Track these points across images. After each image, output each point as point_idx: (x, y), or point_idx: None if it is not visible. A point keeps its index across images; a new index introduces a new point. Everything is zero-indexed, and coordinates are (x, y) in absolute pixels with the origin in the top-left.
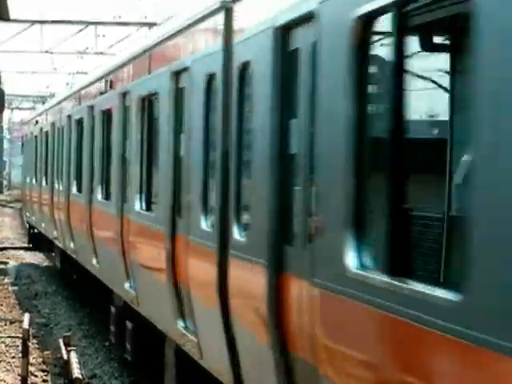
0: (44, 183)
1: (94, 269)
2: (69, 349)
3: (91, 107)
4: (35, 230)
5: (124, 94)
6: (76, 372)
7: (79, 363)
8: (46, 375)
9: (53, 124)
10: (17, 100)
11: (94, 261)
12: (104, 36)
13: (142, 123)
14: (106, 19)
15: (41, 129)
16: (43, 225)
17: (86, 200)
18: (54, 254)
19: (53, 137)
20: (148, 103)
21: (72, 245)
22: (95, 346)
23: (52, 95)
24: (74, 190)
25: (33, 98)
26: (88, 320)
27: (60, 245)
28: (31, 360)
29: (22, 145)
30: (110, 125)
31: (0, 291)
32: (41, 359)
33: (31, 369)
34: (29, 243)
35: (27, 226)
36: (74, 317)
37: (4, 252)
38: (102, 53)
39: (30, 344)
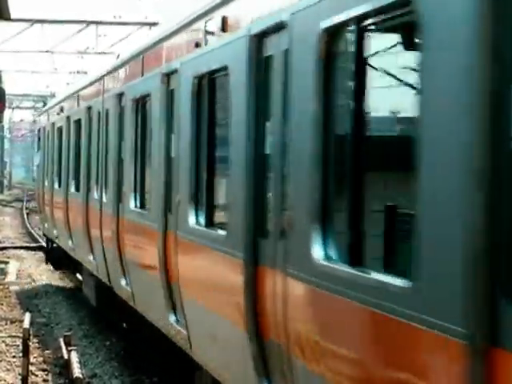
0: (73, 189)
1: (171, 330)
2: (69, 348)
3: (167, 75)
4: (54, 244)
5: (260, 37)
6: (76, 371)
7: (80, 363)
8: (46, 375)
9: (89, 109)
10: (17, 99)
11: (173, 319)
12: (105, 36)
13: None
14: (106, 19)
15: (68, 118)
16: (70, 244)
17: (157, 224)
18: (83, 279)
19: (88, 127)
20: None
21: (124, 282)
22: (96, 346)
23: (53, 95)
24: (130, 204)
25: (33, 98)
26: (88, 320)
27: (102, 278)
28: (32, 359)
29: (39, 139)
30: (213, 100)
31: (0, 290)
32: (41, 359)
33: (32, 368)
34: (46, 261)
35: (43, 237)
36: (75, 316)
37: (4, 251)
38: (102, 52)
39: (30, 343)
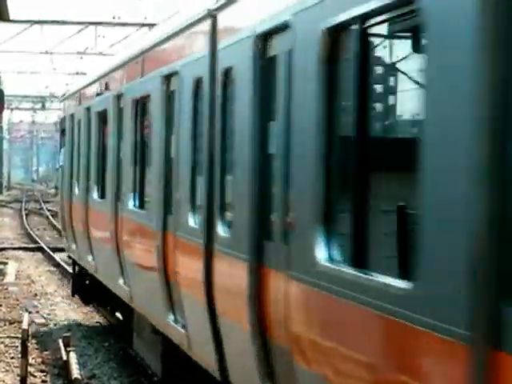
0: (131, 205)
1: None
2: (68, 349)
3: None
4: (85, 273)
5: None
6: (75, 372)
7: (78, 364)
8: (45, 376)
9: (169, 78)
10: (16, 100)
11: None
12: (104, 36)
13: None
14: (105, 20)
15: (118, 97)
16: (122, 283)
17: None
18: (136, 333)
19: (166, 108)
20: None
21: None
22: (94, 347)
23: (52, 95)
24: (317, 253)
25: (32, 99)
26: (87, 320)
27: (202, 361)
28: (30, 360)
29: (62, 132)
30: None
31: None
32: (40, 360)
33: (30, 369)
34: (73, 292)
35: (69, 262)
36: (74, 317)
37: (3, 252)
38: (101, 53)
39: (29, 344)
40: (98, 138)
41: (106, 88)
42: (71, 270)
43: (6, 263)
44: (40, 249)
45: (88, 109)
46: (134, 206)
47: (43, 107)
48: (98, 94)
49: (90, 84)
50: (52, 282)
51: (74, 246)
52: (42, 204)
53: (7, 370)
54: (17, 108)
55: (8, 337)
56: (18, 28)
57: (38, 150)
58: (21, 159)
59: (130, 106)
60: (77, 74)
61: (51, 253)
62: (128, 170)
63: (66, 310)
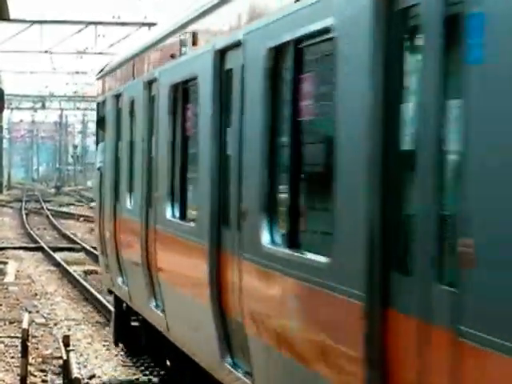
0: (265, 240)
1: None
2: (68, 349)
3: None
4: (130, 311)
5: None
6: (75, 372)
7: (78, 363)
8: (45, 375)
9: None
10: (16, 100)
11: None
12: (104, 36)
13: None
14: (105, 19)
15: (220, 54)
16: (228, 365)
17: None
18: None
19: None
20: None
21: None
22: (94, 347)
23: (52, 94)
24: None
25: (32, 98)
26: (87, 320)
27: None
28: (30, 360)
29: (99, 121)
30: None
31: None
32: (40, 359)
33: (30, 369)
34: (116, 340)
35: (110, 298)
36: (74, 317)
37: (3, 252)
38: (101, 53)
39: (29, 344)
40: (173, 125)
41: (194, 43)
42: (113, 309)
43: (6, 263)
44: (40, 248)
45: (150, 82)
46: (273, 242)
47: (43, 106)
48: (172, 56)
49: (155, 44)
50: (52, 282)
51: (120, 281)
52: (43, 203)
53: (7, 370)
54: (17, 107)
55: (8, 336)
56: (18, 27)
57: (38, 150)
58: (21, 159)
59: (258, 62)
60: (76, 73)
61: (51, 252)
62: (254, 177)
63: (66, 309)
